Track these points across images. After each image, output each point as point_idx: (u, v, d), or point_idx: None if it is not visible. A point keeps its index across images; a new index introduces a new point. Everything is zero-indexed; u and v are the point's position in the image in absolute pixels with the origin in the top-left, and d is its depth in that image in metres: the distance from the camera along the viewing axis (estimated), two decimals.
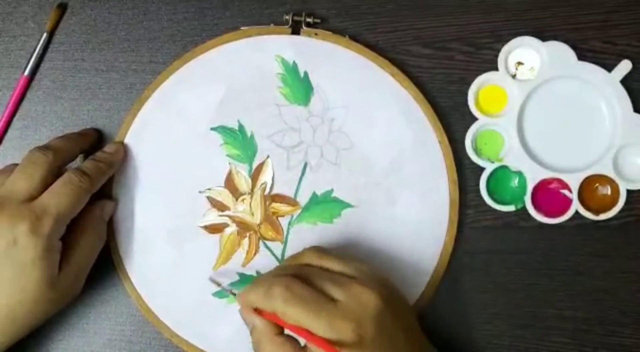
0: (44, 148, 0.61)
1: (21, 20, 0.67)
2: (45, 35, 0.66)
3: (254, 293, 0.56)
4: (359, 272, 0.58)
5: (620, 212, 0.66)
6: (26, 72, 0.66)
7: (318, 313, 0.53)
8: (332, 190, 0.65)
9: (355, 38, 0.66)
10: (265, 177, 0.66)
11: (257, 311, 0.56)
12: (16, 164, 0.61)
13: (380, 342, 0.54)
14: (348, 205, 0.65)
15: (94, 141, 0.66)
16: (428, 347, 0.60)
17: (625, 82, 0.65)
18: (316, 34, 0.66)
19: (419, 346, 0.59)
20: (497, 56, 0.66)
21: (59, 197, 0.58)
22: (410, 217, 0.65)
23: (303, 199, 0.65)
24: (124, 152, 0.65)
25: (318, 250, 0.60)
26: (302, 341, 0.55)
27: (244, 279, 0.65)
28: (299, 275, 0.56)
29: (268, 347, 0.55)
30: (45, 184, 0.59)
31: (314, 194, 0.65)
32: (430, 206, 0.65)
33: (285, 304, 0.54)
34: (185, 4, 0.67)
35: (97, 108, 0.67)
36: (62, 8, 0.67)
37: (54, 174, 0.60)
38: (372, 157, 0.66)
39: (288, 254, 0.65)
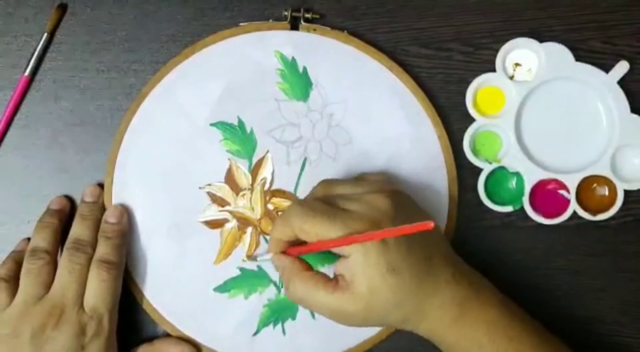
0: (81, 245, 0.62)
1: (22, 21, 0.67)
2: (45, 35, 0.66)
3: (275, 225, 0.58)
4: (371, 186, 0.60)
5: (618, 212, 0.66)
6: (26, 73, 0.66)
7: (333, 220, 0.55)
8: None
9: (354, 36, 0.66)
10: (265, 172, 0.66)
11: (285, 253, 0.59)
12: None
13: (406, 242, 0.55)
14: None
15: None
16: (455, 258, 0.61)
17: (622, 83, 0.66)
18: (315, 30, 0.66)
19: (443, 250, 0.60)
20: (496, 56, 0.66)
21: (103, 296, 0.61)
22: None
23: (303, 194, 0.65)
24: (125, 212, 0.65)
25: (327, 181, 0.62)
26: (331, 274, 0.57)
27: (245, 273, 0.65)
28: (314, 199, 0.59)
29: (298, 283, 0.57)
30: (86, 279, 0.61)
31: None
32: (429, 202, 0.65)
33: (302, 219, 0.55)
34: (186, 4, 0.67)
35: (98, 108, 0.67)
36: (63, 8, 0.67)
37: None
38: (371, 152, 0.66)
39: None
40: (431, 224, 0.50)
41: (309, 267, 0.58)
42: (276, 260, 0.59)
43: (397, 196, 0.58)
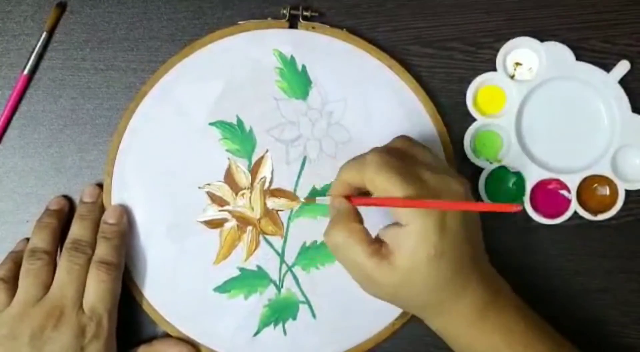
0: (80, 246, 0.62)
1: (20, 19, 0.67)
2: (44, 34, 0.66)
3: (347, 166, 0.57)
4: (445, 165, 0.59)
5: (618, 212, 0.66)
6: (25, 71, 0.66)
7: (408, 184, 0.53)
8: (331, 183, 0.65)
9: (354, 34, 0.66)
10: (265, 171, 0.66)
11: (347, 199, 0.57)
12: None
13: (461, 232, 0.54)
14: None
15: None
16: (487, 262, 0.60)
17: (623, 82, 0.66)
18: (314, 28, 0.66)
19: (481, 254, 0.60)
20: (497, 56, 0.66)
21: (102, 297, 0.60)
22: None
23: (303, 193, 0.65)
24: (125, 213, 0.65)
25: (409, 138, 0.60)
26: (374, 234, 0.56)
27: (244, 274, 0.65)
28: (392, 152, 0.57)
29: (342, 230, 0.55)
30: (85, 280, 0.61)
31: (314, 187, 0.65)
32: None
33: (378, 169, 0.54)
34: (185, 3, 0.67)
35: (97, 107, 0.67)
36: (62, 7, 0.67)
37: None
38: None
39: (288, 248, 0.65)
40: (519, 207, 0.49)
41: (362, 221, 0.56)
42: (335, 202, 0.57)
43: (469, 189, 0.57)
